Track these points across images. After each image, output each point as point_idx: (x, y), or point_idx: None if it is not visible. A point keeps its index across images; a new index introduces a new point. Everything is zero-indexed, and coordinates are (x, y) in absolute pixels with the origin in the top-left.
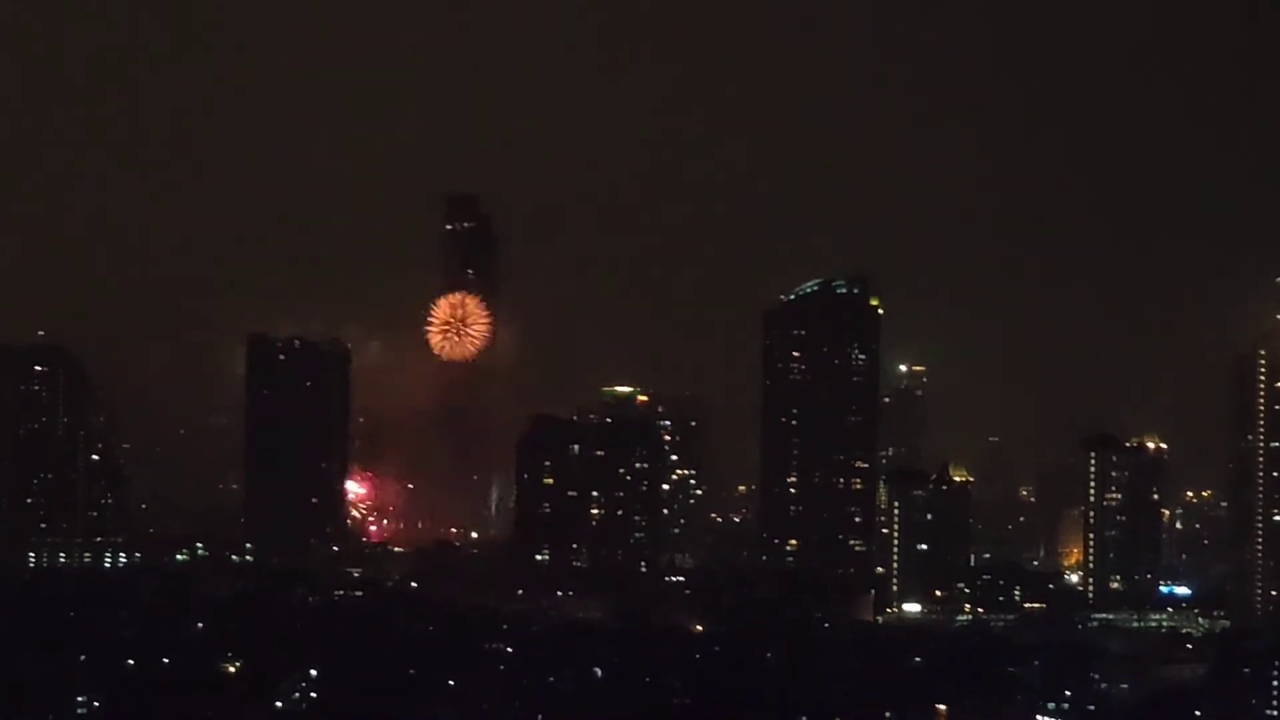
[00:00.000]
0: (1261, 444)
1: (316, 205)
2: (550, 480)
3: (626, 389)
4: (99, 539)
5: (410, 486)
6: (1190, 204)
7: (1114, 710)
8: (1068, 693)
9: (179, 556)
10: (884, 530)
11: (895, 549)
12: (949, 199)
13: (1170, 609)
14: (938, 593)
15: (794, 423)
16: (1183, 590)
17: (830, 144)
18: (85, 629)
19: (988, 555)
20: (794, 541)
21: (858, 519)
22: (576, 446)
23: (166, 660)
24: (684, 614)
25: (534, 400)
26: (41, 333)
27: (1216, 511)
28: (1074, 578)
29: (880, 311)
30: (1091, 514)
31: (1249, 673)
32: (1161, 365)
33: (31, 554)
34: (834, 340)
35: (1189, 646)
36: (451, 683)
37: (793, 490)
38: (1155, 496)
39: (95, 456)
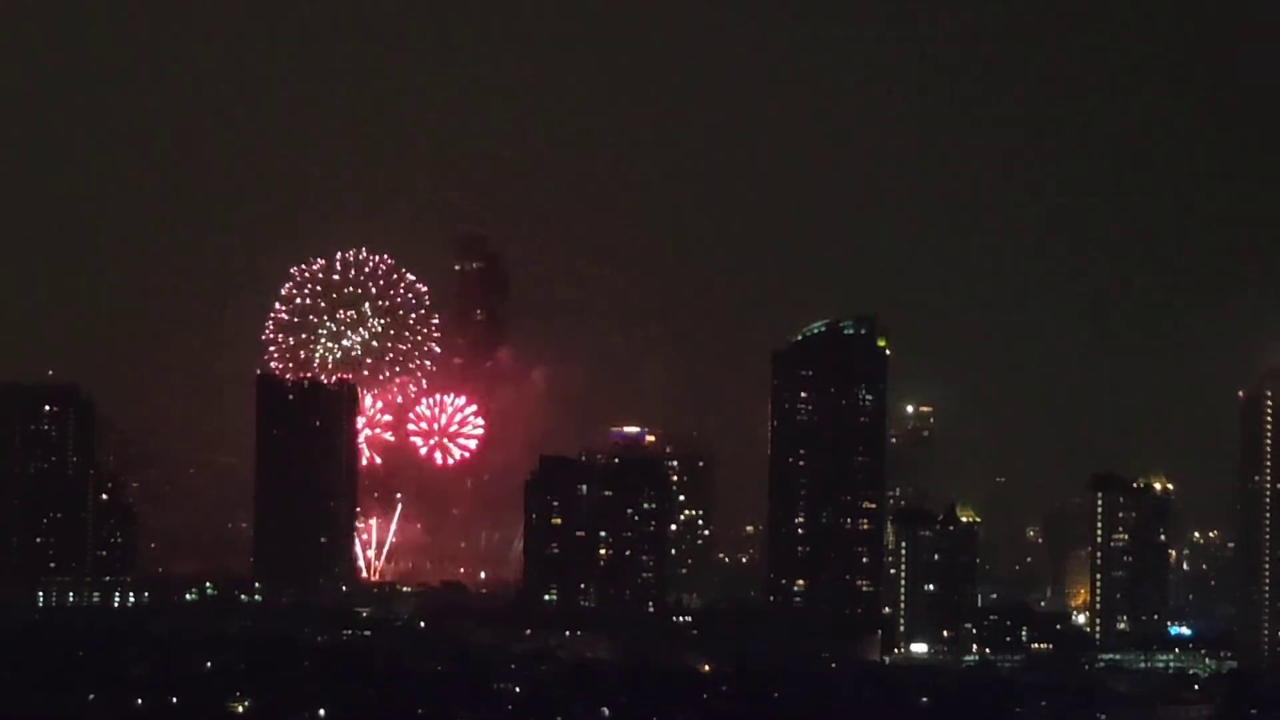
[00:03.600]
0: (1269, 484)
1: (325, 243)
2: (558, 520)
3: (634, 429)
4: (108, 578)
5: (418, 526)
6: (1198, 243)
7: None
8: None
9: (188, 595)
10: (891, 571)
11: (902, 589)
12: (956, 239)
13: (1177, 649)
14: (945, 633)
15: (801, 463)
16: (1189, 631)
17: (838, 184)
18: (95, 668)
19: (995, 596)
20: (801, 582)
21: (865, 559)
22: (584, 487)
23: (175, 699)
24: (692, 654)
25: (542, 440)
26: (51, 372)
27: (1223, 552)
28: (1081, 618)
29: (888, 352)
30: (1098, 554)
31: (1256, 714)
32: (1168, 405)
33: (41, 593)
34: (841, 381)
35: (1196, 687)
36: None
37: (800, 530)
38: (1162, 537)
39: (105, 496)
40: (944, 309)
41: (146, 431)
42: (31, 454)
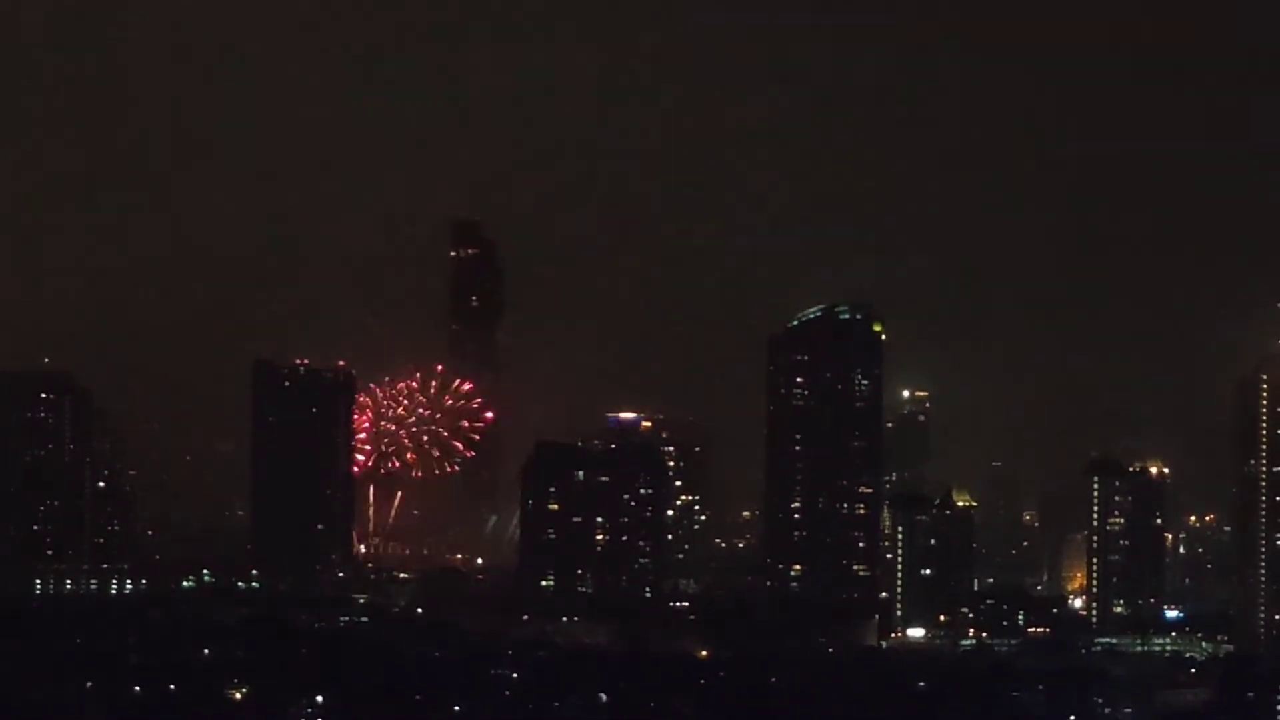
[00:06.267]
0: (1264, 468)
1: (320, 231)
2: (554, 506)
3: (630, 414)
4: (105, 565)
5: (415, 513)
6: (1194, 228)
7: None
8: (1071, 718)
9: (185, 583)
10: (888, 555)
11: (899, 574)
12: (952, 223)
13: (1173, 633)
14: (941, 618)
15: (797, 448)
16: (1186, 614)
17: (834, 170)
18: (92, 655)
19: (991, 580)
20: (798, 567)
21: (861, 544)
22: (580, 472)
23: (173, 686)
24: (688, 639)
25: (538, 426)
26: (47, 359)
27: (1219, 535)
28: (1077, 602)
29: (883, 337)
30: (1094, 538)
31: (1253, 697)
32: (1164, 390)
33: (38, 580)
34: (837, 366)
35: (1193, 671)
36: (457, 708)
37: (796, 515)
38: (1158, 521)
39: (101, 483)
40: (940, 294)
41: (143, 419)
42: (28, 442)
